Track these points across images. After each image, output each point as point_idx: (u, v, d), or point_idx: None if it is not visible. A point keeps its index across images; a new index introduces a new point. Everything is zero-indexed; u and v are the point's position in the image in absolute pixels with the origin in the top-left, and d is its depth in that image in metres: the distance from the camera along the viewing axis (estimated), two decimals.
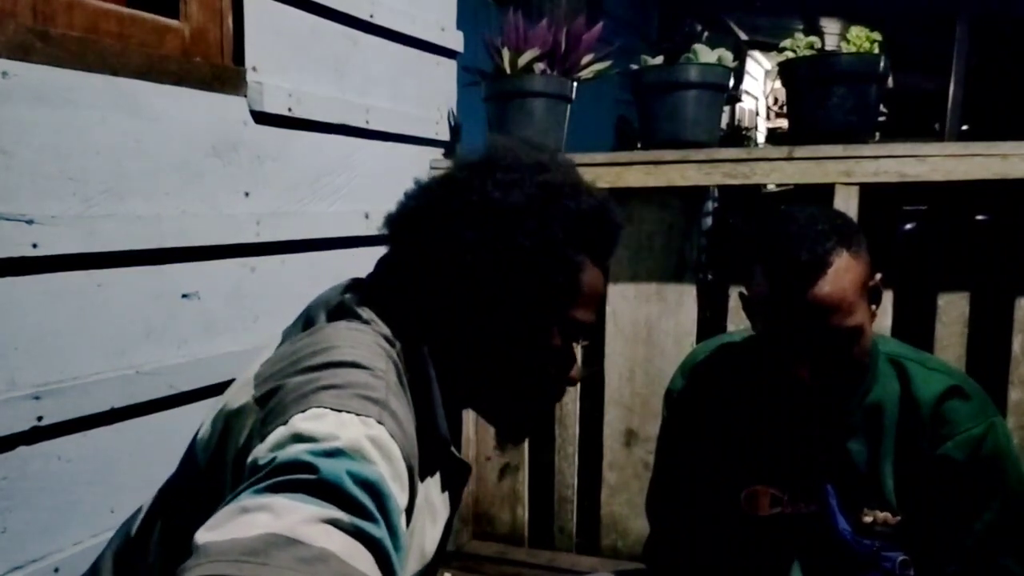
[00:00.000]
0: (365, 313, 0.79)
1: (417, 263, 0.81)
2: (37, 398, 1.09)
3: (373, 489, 0.57)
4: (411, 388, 0.76)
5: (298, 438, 0.59)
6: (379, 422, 0.63)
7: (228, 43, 1.43)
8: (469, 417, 2.18)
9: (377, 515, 0.56)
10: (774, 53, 2.05)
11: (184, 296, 1.33)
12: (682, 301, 1.97)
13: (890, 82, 2.29)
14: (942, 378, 1.09)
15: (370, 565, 0.53)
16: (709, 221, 5.25)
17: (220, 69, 1.40)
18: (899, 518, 1.09)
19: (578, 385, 2.08)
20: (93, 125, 1.16)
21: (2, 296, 1.06)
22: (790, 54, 1.93)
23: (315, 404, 0.63)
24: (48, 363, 1.11)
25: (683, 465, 1.26)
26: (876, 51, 1.84)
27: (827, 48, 1.96)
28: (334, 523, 0.52)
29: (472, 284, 0.78)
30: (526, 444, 2.16)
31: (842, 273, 0.98)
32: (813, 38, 1.93)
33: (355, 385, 0.66)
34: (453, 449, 0.82)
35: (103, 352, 1.19)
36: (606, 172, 1.91)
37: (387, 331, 0.78)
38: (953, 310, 1.77)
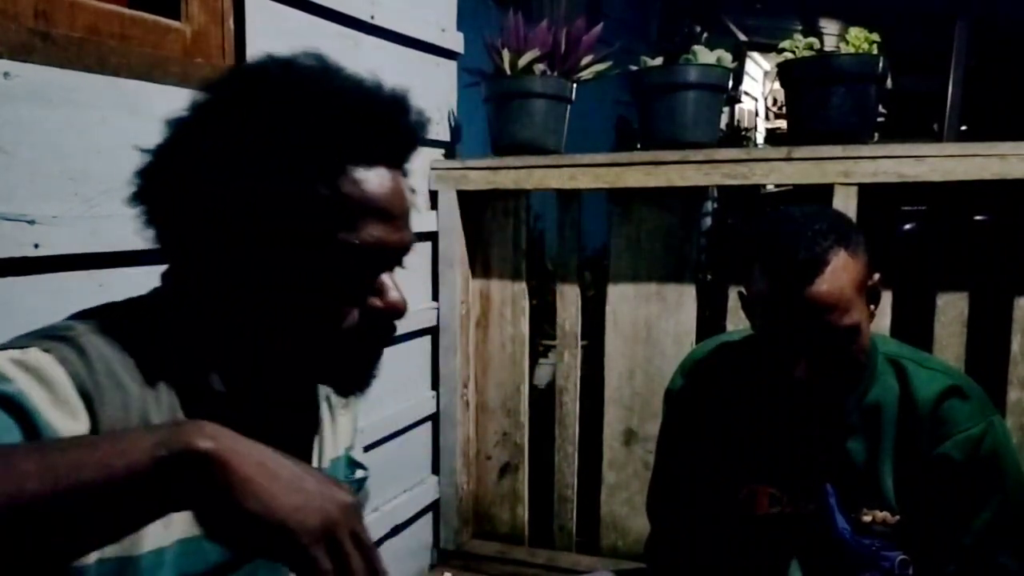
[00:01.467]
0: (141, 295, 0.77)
1: (158, 225, 0.71)
2: None
3: (10, 403, 0.57)
4: (172, 354, 0.69)
5: None
6: (45, 351, 0.61)
7: (229, 44, 1.43)
8: (468, 416, 2.18)
9: (8, 423, 0.56)
10: (773, 54, 2.06)
11: None
12: (682, 301, 1.98)
13: (889, 83, 2.29)
14: (941, 378, 1.10)
15: None
16: (709, 221, 5.25)
17: (221, 70, 1.40)
18: (898, 517, 1.09)
19: (577, 385, 2.08)
20: (94, 125, 1.17)
21: (3, 296, 1.06)
22: (789, 55, 1.94)
23: None
24: None
25: (683, 464, 1.26)
26: (875, 52, 1.85)
27: (826, 49, 1.96)
28: None
29: (208, 234, 0.67)
30: (526, 444, 2.16)
31: (840, 272, 0.98)
32: (812, 39, 1.93)
33: (43, 331, 0.65)
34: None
35: None
36: (606, 172, 1.91)
37: (146, 300, 0.75)
38: (952, 310, 1.78)
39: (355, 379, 0.75)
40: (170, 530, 0.67)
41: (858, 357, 1.04)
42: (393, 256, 0.72)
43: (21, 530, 0.48)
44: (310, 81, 0.68)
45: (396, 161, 0.71)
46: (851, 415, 1.11)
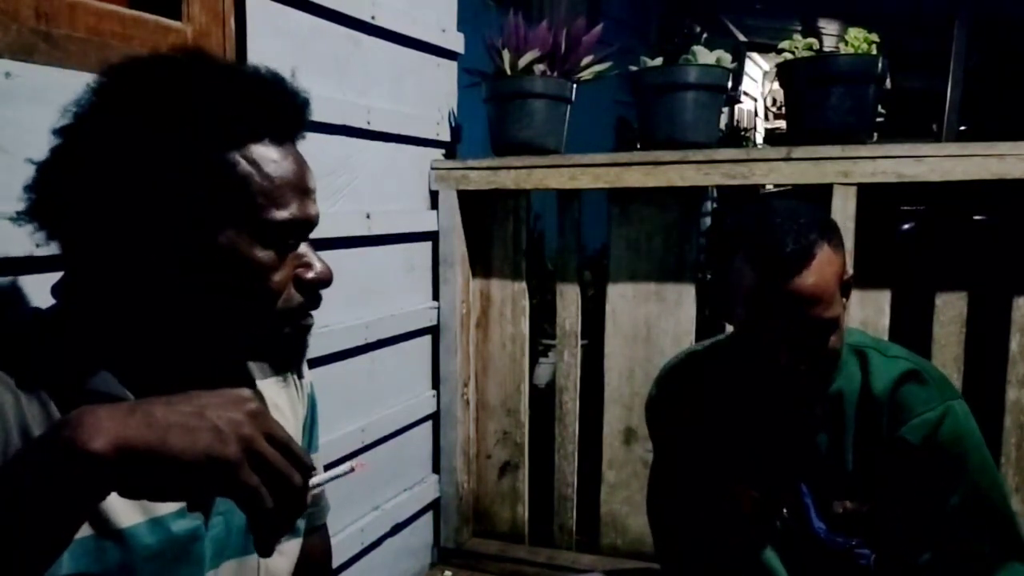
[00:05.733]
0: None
1: (62, 229, 0.72)
2: None
3: None
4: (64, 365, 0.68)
5: None
6: None
7: (230, 44, 1.44)
8: (469, 415, 2.19)
9: None
10: (772, 54, 2.06)
11: None
12: (681, 301, 1.98)
13: (888, 83, 2.30)
14: (900, 363, 1.10)
15: None
16: (708, 221, 5.26)
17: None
18: (867, 506, 1.09)
19: (577, 384, 2.09)
20: None
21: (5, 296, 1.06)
22: (788, 55, 1.94)
23: None
24: None
25: (670, 471, 1.27)
26: (874, 52, 1.85)
27: (825, 49, 1.97)
28: None
29: (114, 234, 0.67)
30: (526, 443, 2.17)
31: (824, 265, 1.00)
32: (811, 39, 1.94)
33: None
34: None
35: None
36: (606, 172, 1.91)
37: (51, 312, 0.74)
38: (951, 310, 1.78)
39: (293, 354, 0.76)
40: None
41: (835, 348, 1.05)
42: (307, 228, 0.73)
43: None
44: (190, 72, 0.69)
45: (290, 136, 0.72)
46: (816, 407, 1.11)
